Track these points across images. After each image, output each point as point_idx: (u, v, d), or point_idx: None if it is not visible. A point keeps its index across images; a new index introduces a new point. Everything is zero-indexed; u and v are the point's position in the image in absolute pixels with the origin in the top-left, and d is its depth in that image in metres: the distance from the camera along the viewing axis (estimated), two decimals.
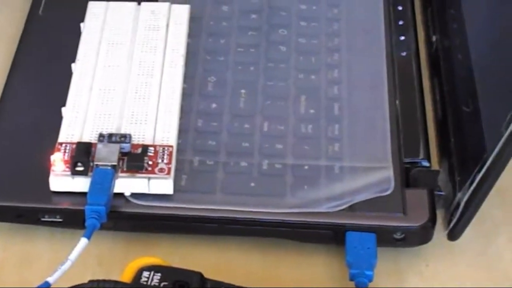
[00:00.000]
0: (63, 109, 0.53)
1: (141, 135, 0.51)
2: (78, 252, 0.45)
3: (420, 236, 0.50)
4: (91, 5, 0.58)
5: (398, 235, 0.49)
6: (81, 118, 0.52)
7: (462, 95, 0.54)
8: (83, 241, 0.46)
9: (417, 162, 0.53)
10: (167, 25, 0.57)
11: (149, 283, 0.45)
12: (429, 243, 0.50)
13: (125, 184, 0.50)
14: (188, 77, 0.55)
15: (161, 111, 0.53)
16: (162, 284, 0.45)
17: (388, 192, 0.51)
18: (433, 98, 0.58)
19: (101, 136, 0.50)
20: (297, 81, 0.56)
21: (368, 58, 0.58)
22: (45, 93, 0.55)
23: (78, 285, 0.44)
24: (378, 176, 0.51)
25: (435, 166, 0.53)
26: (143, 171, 0.49)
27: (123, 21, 0.57)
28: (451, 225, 0.50)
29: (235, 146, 0.53)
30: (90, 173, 0.49)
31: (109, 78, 0.54)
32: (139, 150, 0.50)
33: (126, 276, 0.45)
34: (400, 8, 0.61)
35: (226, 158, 0.52)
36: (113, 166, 0.49)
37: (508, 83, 0.48)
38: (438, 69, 0.58)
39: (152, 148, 0.50)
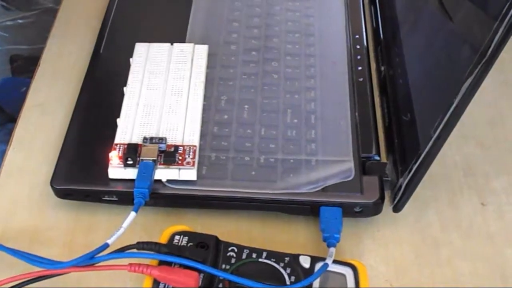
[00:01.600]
0: (118, 120, 0.52)
1: (173, 138, 0.51)
2: (129, 222, 0.45)
3: (373, 210, 0.50)
4: (137, 46, 0.57)
5: (357, 209, 0.49)
6: (131, 126, 0.51)
7: (402, 108, 0.54)
8: (132, 214, 0.46)
9: (370, 157, 0.52)
10: (192, 60, 0.56)
11: (179, 243, 0.45)
12: (380, 215, 0.50)
13: (162, 173, 0.49)
14: (206, 96, 0.55)
15: (188, 121, 0.52)
16: (188, 244, 0.45)
17: (350, 178, 0.50)
18: (382, 111, 0.57)
19: (145, 139, 0.50)
20: (285, 99, 0.55)
21: (336, 82, 0.57)
22: (105, 108, 0.55)
23: (129, 245, 0.44)
24: (343, 166, 0.51)
25: (383, 159, 0.53)
26: (175, 164, 0.49)
27: (160, 57, 0.56)
28: (395, 201, 0.50)
29: (241, 146, 0.52)
30: (137, 165, 0.49)
31: (150, 97, 0.54)
32: (172, 149, 0.50)
33: (163, 239, 0.46)
34: (358, 47, 0.60)
35: (234, 154, 0.51)
36: (154, 160, 0.49)
37: (434, 100, 0.48)
38: (385, 90, 0.58)
39: (181, 147, 0.50)
